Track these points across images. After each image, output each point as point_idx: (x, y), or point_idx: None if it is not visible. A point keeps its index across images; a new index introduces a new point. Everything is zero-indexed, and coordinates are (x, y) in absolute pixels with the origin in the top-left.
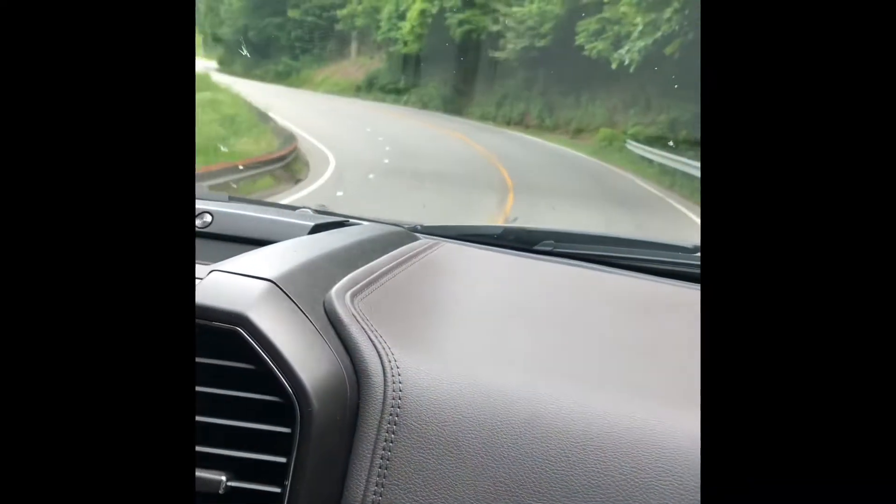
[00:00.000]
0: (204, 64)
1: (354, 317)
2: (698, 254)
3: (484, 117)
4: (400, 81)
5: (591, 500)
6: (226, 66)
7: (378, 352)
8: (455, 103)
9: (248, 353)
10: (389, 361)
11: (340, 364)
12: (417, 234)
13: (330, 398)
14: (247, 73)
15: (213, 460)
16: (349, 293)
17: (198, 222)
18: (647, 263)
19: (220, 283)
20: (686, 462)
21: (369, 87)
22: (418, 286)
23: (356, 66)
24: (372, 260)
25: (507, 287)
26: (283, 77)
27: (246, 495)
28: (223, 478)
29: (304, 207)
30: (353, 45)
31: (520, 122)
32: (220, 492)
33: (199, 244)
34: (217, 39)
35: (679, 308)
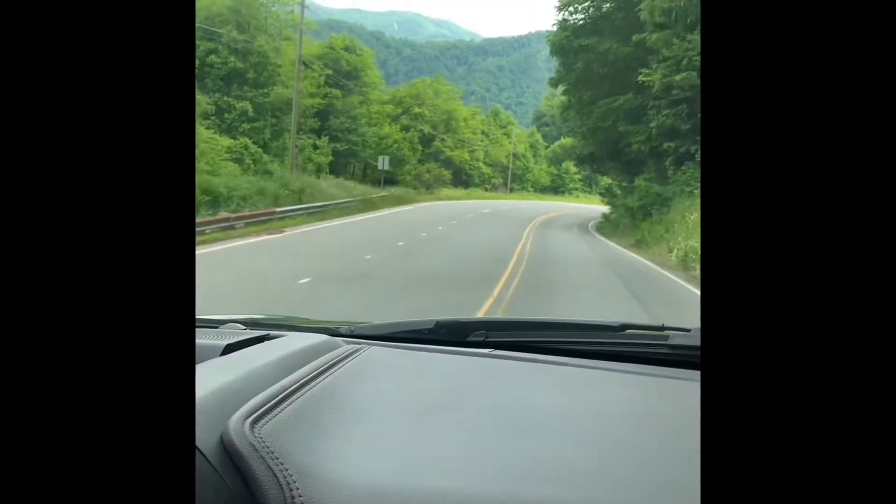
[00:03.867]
0: (592, 209)
1: (253, 446)
2: (624, 331)
3: None
4: None
5: None
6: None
7: (280, 483)
8: None
9: None
10: (292, 492)
11: (239, 500)
12: (340, 342)
13: None
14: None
15: None
16: (249, 420)
17: None
18: (576, 346)
19: None
20: None
21: None
22: (332, 400)
23: None
24: (285, 377)
25: (428, 391)
26: (642, 217)
27: None
28: None
29: (233, 321)
30: None
31: None
32: None
33: None
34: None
35: (594, 388)
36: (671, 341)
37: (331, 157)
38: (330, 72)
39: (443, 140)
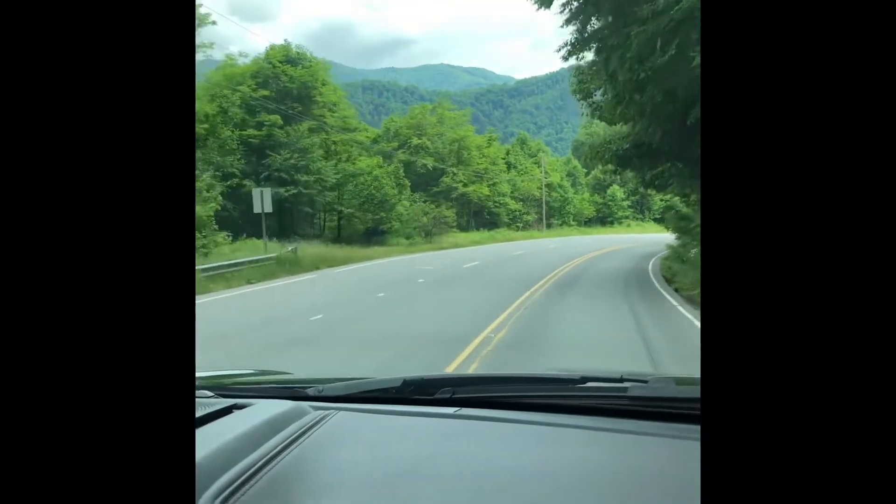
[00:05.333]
0: None
1: None
2: (585, 384)
3: None
4: None
5: None
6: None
7: None
8: None
9: None
10: None
11: None
12: (307, 407)
13: None
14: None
15: None
16: (218, 501)
17: None
18: (539, 399)
19: None
20: None
21: None
22: (301, 473)
23: None
24: (253, 451)
25: (397, 458)
26: None
27: None
28: None
29: (201, 388)
30: None
31: None
32: None
33: None
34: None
35: (558, 446)
36: (630, 393)
37: (217, 206)
38: (267, 92)
39: (453, 175)
